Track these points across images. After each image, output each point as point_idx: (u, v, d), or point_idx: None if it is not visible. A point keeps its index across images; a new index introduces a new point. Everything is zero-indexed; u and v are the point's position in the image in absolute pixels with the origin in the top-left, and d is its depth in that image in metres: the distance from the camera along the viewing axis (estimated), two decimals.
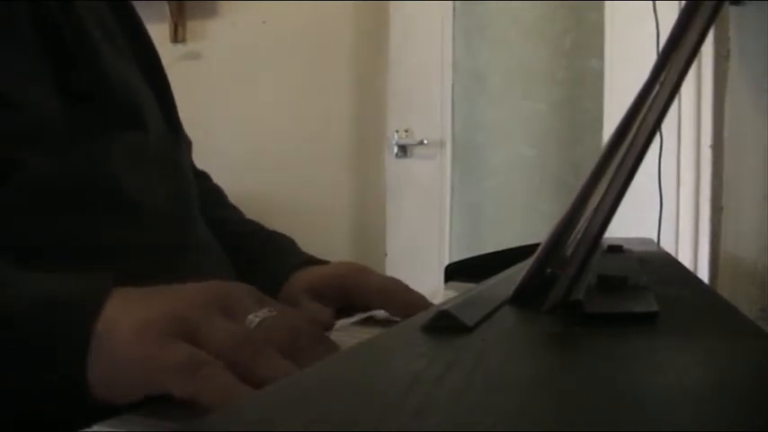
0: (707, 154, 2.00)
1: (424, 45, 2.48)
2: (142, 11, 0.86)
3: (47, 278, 0.47)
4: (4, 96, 0.59)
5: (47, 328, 0.44)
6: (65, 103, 0.64)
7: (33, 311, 0.44)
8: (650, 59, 0.44)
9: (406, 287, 0.76)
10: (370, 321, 0.76)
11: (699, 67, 1.96)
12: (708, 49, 1.90)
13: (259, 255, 0.84)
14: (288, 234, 0.94)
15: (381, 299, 0.75)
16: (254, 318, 0.47)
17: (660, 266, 0.79)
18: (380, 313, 0.76)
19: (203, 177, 0.95)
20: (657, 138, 1.80)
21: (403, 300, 0.73)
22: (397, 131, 2.51)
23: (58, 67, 0.65)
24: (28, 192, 0.58)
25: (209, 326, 0.44)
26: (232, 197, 1.00)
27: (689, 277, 0.73)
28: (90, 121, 0.65)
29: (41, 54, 0.65)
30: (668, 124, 1.99)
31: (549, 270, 0.47)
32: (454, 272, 1.03)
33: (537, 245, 0.47)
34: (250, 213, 0.99)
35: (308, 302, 0.74)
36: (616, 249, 0.80)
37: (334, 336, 0.60)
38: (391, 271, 2.44)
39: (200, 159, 0.92)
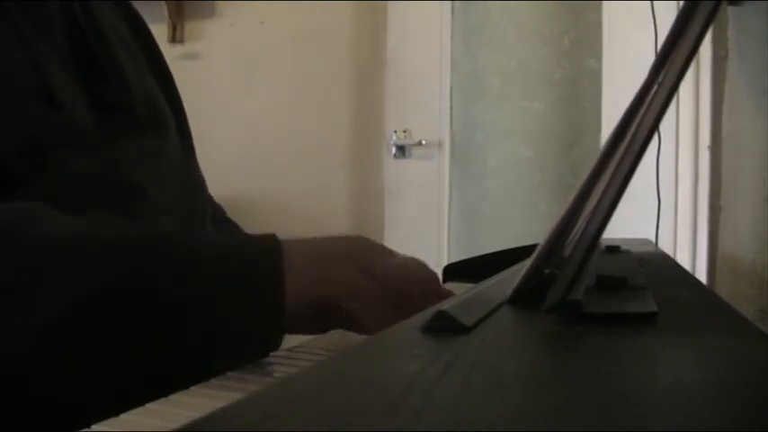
0: (705, 154, 2.00)
1: (423, 45, 2.48)
2: (140, 11, 0.87)
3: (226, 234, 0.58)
4: (51, 96, 0.62)
5: (246, 265, 0.54)
6: (93, 111, 0.68)
7: (235, 254, 0.55)
8: (648, 60, 0.44)
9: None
10: None
11: (697, 68, 1.96)
12: (706, 49, 1.90)
13: None
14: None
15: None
16: (400, 257, 0.60)
17: (658, 267, 0.79)
18: None
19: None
20: (656, 138, 1.80)
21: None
22: (395, 132, 2.51)
23: (88, 79, 0.69)
24: (61, 187, 0.61)
25: (375, 262, 0.57)
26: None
27: (687, 277, 0.73)
28: (116, 128, 0.69)
29: (73, 66, 0.68)
30: (666, 125, 1.99)
31: (547, 270, 0.47)
32: (453, 272, 1.03)
33: (535, 245, 0.47)
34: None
35: None
36: (614, 250, 0.80)
37: None
38: None
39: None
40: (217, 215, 0.94)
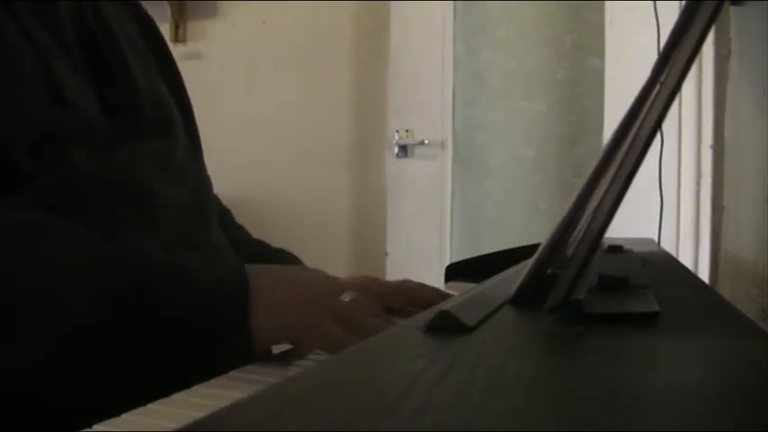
0: (708, 154, 2.00)
1: (425, 45, 2.48)
2: None
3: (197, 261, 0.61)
4: (61, 95, 0.63)
5: (214, 297, 0.56)
6: (103, 111, 0.69)
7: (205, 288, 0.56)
8: (651, 59, 0.44)
9: (419, 284, 0.83)
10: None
11: (699, 68, 1.96)
12: (708, 49, 1.90)
13: None
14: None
15: (399, 298, 0.80)
16: (346, 297, 0.62)
17: (661, 266, 0.79)
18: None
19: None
20: (658, 138, 1.80)
21: (419, 296, 0.80)
22: (397, 131, 2.51)
23: (99, 82, 0.70)
24: (71, 186, 0.62)
25: (327, 298, 0.59)
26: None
27: (689, 277, 0.73)
28: (123, 129, 0.70)
29: (84, 69, 0.70)
30: (669, 124, 1.98)
31: (549, 270, 0.47)
32: (455, 272, 1.03)
33: (537, 245, 0.47)
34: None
35: None
36: (617, 249, 0.80)
37: None
38: (392, 271, 2.44)
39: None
40: (226, 221, 0.95)
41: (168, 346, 0.53)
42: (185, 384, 0.48)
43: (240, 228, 0.98)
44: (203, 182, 0.83)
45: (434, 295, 0.80)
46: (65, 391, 0.51)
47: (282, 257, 0.94)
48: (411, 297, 0.80)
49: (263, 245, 0.97)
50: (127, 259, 0.55)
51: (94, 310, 0.51)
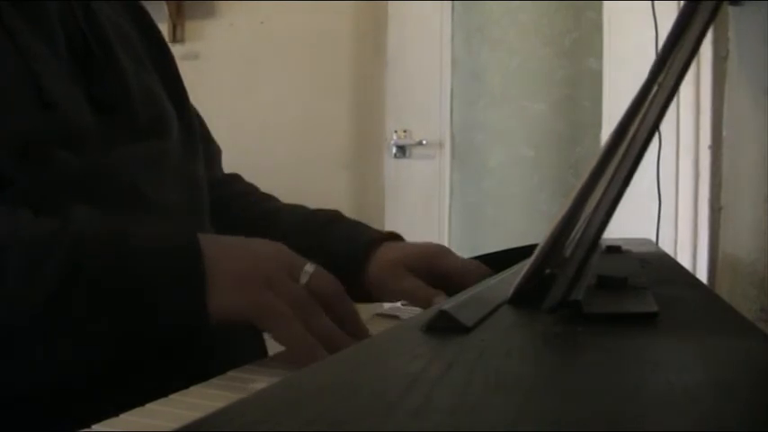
0: (706, 154, 2.00)
1: (423, 45, 2.48)
2: None
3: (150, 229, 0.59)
4: (48, 97, 0.63)
5: (165, 271, 0.55)
6: (93, 112, 0.69)
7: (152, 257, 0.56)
8: (649, 60, 0.44)
9: (484, 271, 0.82)
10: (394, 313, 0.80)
11: (698, 68, 1.96)
12: (707, 49, 1.90)
13: (328, 234, 0.91)
14: None
15: (459, 279, 0.79)
16: (308, 269, 0.59)
17: (659, 267, 0.79)
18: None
19: (236, 178, 1.06)
20: (656, 138, 1.80)
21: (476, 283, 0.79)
22: (395, 132, 2.51)
23: (88, 82, 0.70)
24: (56, 187, 0.62)
25: (284, 284, 0.57)
26: None
27: (688, 277, 0.73)
28: (113, 130, 0.70)
29: (72, 67, 0.69)
30: (667, 124, 1.99)
31: (547, 270, 0.47)
32: None
33: (536, 245, 0.47)
34: None
35: (410, 278, 0.81)
36: (615, 250, 0.80)
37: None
38: None
39: None
40: (258, 194, 1.02)
41: (112, 317, 0.53)
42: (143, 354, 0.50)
43: (271, 198, 1.02)
44: (198, 181, 0.83)
45: None
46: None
47: (338, 215, 0.96)
48: (468, 283, 0.79)
49: (303, 207, 1.00)
50: (63, 232, 0.55)
51: (28, 284, 0.51)
